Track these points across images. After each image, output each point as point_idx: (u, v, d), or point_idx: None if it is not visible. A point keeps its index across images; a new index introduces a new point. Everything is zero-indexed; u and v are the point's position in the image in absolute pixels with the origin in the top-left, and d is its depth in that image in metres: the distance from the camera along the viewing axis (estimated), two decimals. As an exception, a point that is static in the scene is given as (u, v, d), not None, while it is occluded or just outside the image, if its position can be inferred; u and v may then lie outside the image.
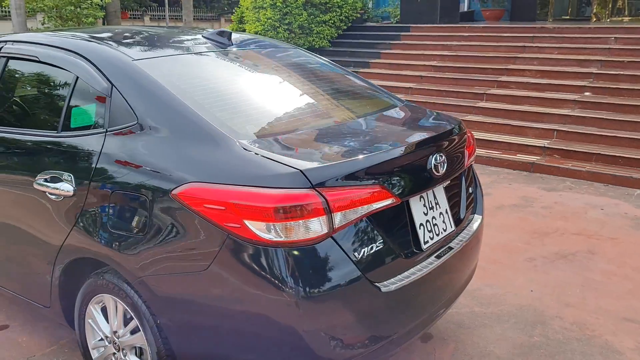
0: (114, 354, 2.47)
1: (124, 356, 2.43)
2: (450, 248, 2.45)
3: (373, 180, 2.08)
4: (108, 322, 2.45)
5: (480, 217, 2.78)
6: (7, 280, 2.95)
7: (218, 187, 1.96)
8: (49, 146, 2.54)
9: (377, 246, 2.08)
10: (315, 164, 1.99)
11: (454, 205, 2.58)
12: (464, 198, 2.68)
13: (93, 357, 2.56)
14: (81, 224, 2.36)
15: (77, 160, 2.40)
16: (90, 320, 2.52)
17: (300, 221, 1.90)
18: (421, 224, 2.31)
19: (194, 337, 2.12)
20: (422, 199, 2.35)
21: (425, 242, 2.31)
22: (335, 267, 1.96)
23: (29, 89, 2.96)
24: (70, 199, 2.38)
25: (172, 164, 2.10)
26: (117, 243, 2.23)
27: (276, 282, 1.89)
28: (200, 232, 2.00)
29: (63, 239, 2.44)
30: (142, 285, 2.18)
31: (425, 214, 2.36)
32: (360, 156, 2.11)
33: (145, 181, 2.13)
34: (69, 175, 2.39)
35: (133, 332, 2.34)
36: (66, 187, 2.38)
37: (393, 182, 2.15)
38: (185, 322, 2.12)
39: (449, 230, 2.48)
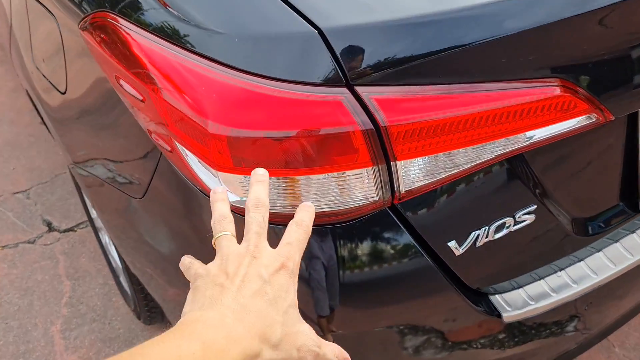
0: (102, 229, 1.70)
1: (108, 242, 1.65)
2: None
3: (538, 69, 0.74)
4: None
5: None
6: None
7: (140, 37, 0.79)
8: None
9: (519, 221, 0.84)
10: (366, 16, 0.70)
11: None
12: None
13: (92, 216, 1.83)
14: (15, 38, 1.39)
15: None
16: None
17: (300, 177, 0.71)
18: (654, 154, 0.96)
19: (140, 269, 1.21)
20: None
21: (652, 194, 0.99)
22: (388, 275, 0.80)
23: None
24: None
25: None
26: (41, 89, 1.26)
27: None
28: (125, 127, 0.93)
29: (9, 51, 1.53)
30: (78, 175, 1.25)
31: (674, 129, 0.98)
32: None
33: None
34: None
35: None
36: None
37: (604, 69, 0.78)
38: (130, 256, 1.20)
39: None
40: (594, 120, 0.80)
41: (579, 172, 0.92)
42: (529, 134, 0.76)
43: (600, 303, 1.05)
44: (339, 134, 0.69)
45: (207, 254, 0.78)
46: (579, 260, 0.96)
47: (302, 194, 0.73)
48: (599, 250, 0.98)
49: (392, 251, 0.79)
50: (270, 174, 0.70)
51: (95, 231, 1.83)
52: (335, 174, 0.71)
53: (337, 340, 0.86)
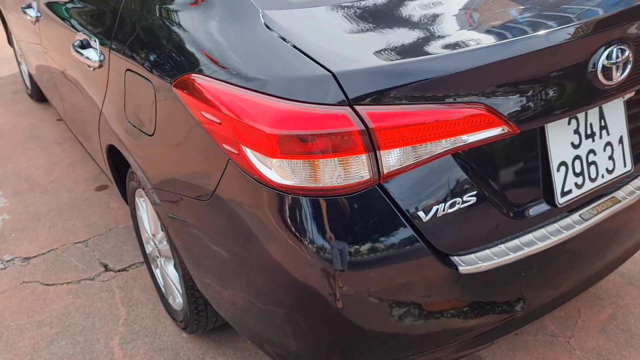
0: (157, 257, 2.12)
1: (163, 264, 2.06)
2: (616, 201, 1.51)
3: (469, 96, 1.21)
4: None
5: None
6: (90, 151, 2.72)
7: (215, 85, 1.27)
8: (87, -3, 2.04)
9: (465, 201, 1.27)
10: (361, 64, 1.18)
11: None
12: (663, 116, 1.62)
13: (146, 251, 2.25)
14: (107, 106, 1.89)
15: (103, 17, 1.87)
16: (138, 212, 2.17)
17: (321, 160, 1.16)
18: (562, 164, 1.40)
19: (207, 274, 1.62)
20: (572, 122, 1.41)
21: (565, 193, 1.42)
22: (379, 233, 1.22)
23: None
24: (99, 72, 1.91)
25: (185, 40, 1.44)
26: (131, 137, 1.73)
27: (283, 243, 1.24)
28: (202, 149, 1.38)
29: (98, 120, 2.03)
30: (156, 196, 1.69)
31: (576, 147, 1.42)
32: (451, 51, 1.22)
33: (154, 60, 1.53)
34: (96, 40, 1.88)
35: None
36: (92, 55, 1.88)
37: (511, 97, 1.25)
38: (196, 253, 1.61)
39: (620, 171, 1.52)
40: (507, 131, 1.25)
41: (511, 171, 1.35)
42: (464, 137, 1.21)
43: (536, 276, 1.44)
44: (344, 132, 1.14)
45: (261, 240, 1.20)
46: (514, 238, 1.37)
47: (321, 173, 1.17)
48: (528, 232, 1.39)
49: (381, 216, 1.21)
50: (302, 158, 1.15)
51: (148, 263, 2.24)
52: (342, 158, 1.15)
53: (343, 297, 1.26)
